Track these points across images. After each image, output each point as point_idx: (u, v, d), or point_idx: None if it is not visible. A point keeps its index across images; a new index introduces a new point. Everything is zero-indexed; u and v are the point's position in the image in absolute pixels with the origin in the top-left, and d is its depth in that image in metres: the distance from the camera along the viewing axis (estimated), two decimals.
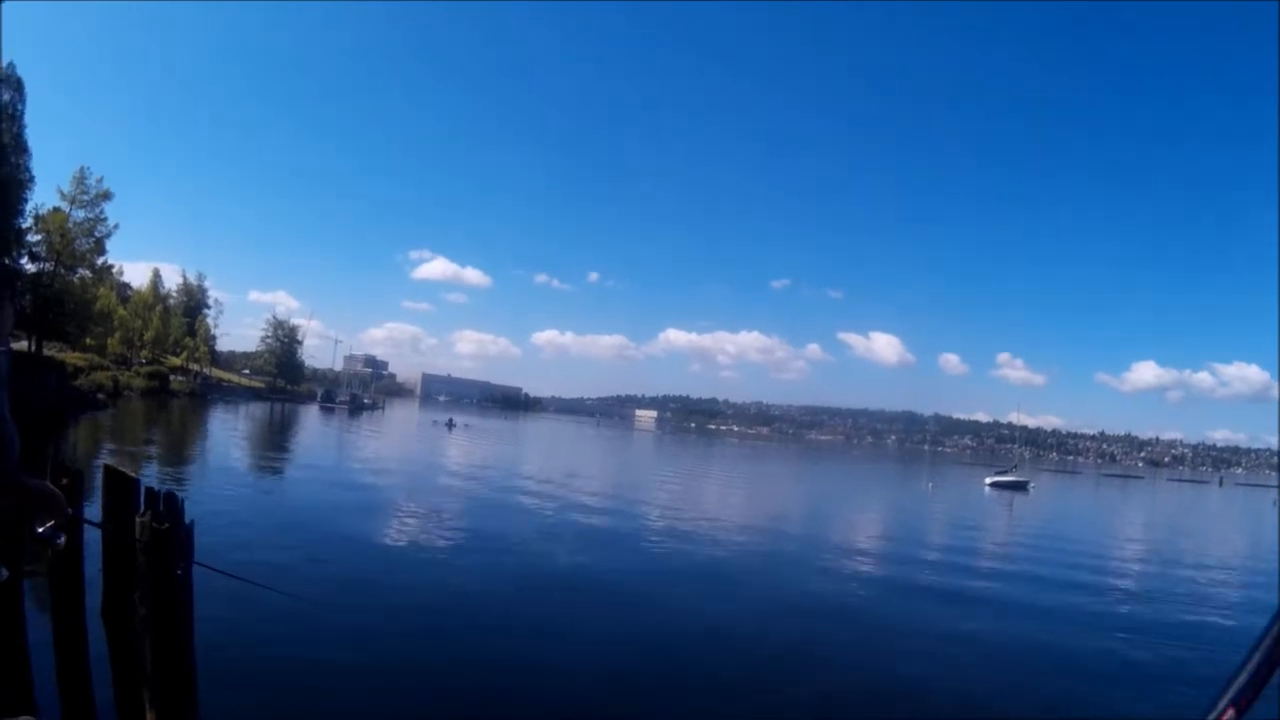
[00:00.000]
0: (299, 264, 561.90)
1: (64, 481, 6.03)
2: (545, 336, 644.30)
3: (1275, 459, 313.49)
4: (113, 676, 6.50)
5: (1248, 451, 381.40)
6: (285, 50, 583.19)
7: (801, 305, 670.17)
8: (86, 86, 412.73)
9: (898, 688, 12.30)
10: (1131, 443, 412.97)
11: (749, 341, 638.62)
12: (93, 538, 6.67)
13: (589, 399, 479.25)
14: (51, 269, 60.57)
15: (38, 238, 59.61)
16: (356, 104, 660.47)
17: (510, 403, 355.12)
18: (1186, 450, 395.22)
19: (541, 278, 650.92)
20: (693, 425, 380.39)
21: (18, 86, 53.62)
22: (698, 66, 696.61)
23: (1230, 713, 1.23)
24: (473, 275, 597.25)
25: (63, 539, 3.47)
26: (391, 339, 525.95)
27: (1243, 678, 1.20)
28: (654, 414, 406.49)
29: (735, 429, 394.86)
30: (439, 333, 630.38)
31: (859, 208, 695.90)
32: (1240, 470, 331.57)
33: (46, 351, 62.06)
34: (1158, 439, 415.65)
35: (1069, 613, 19.22)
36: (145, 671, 6.20)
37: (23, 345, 59.16)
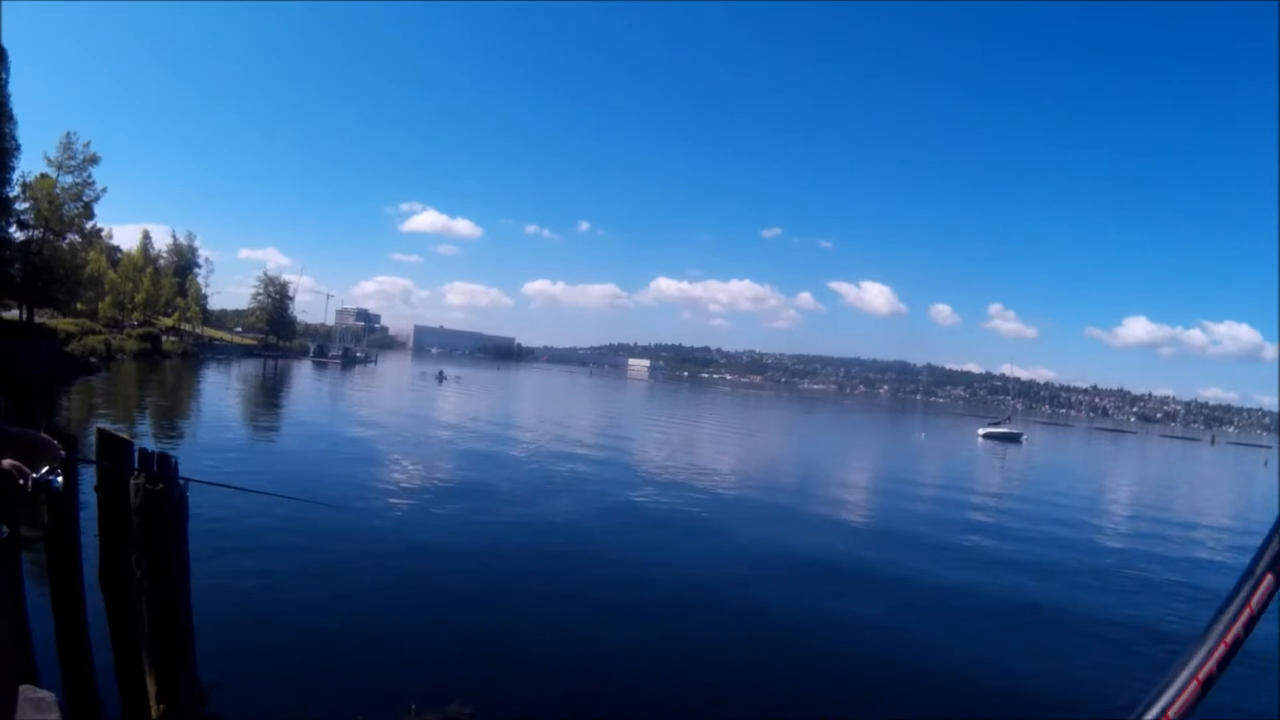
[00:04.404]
0: (289, 220, 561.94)
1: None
2: (536, 286, 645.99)
3: (1266, 419, 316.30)
4: (111, 641, 6.81)
5: (1239, 410, 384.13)
6: (269, 6, 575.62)
7: (793, 254, 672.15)
8: (68, 51, 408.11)
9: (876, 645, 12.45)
10: (1124, 398, 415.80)
11: (740, 290, 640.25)
12: (88, 501, 7.04)
13: (581, 348, 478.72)
14: (40, 235, 60.43)
15: (26, 205, 59.42)
16: (344, 57, 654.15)
17: (502, 353, 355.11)
18: (1179, 407, 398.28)
19: (532, 228, 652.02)
20: (685, 374, 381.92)
21: (1, 56, 53.42)
22: (690, 18, 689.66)
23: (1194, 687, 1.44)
24: (463, 226, 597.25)
25: (60, 480, 3.28)
26: (383, 292, 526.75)
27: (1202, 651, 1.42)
28: (647, 363, 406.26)
29: (728, 378, 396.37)
30: (430, 285, 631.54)
31: (850, 157, 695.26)
32: (1232, 429, 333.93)
33: (38, 319, 62.26)
34: (1150, 395, 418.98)
35: (1070, 574, 19.01)
36: (143, 635, 6.50)
37: (14, 314, 59.62)
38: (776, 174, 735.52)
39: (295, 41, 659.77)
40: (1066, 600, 16.34)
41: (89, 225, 69.41)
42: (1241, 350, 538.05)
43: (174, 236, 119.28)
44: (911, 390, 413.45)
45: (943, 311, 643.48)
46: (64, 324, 67.32)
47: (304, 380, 78.80)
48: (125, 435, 6.92)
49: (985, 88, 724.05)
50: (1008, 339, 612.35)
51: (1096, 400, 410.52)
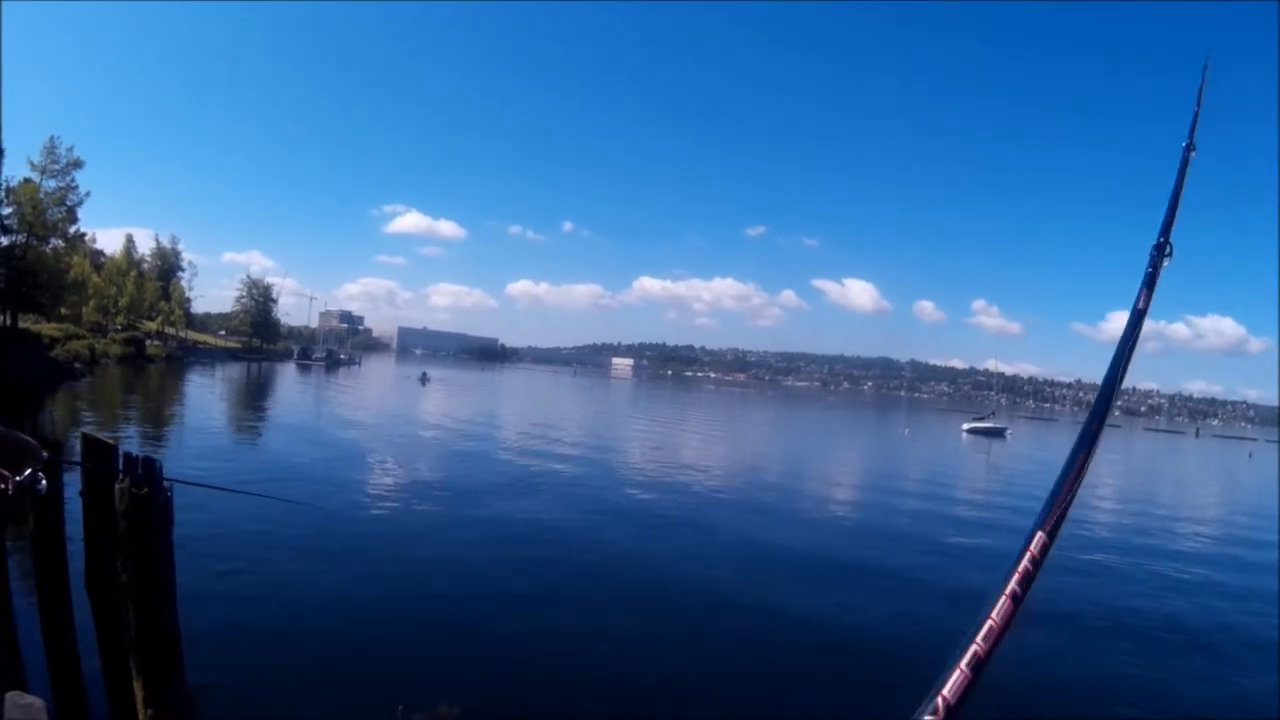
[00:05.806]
0: (272, 223, 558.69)
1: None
2: (520, 287, 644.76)
3: (1251, 411, 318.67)
4: (99, 645, 6.81)
5: (1224, 403, 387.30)
6: (251, 7, 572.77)
7: (776, 252, 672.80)
8: (51, 52, 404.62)
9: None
10: None
11: (724, 288, 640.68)
12: (73, 507, 7.01)
13: (565, 348, 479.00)
14: (24, 240, 60.05)
15: (9, 210, 58.84)
16: (327, 58, 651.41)
17: (487, 354, 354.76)
18: (1163, 400, 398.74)
19: (515, 228, 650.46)
20: (669, 372, 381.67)
21: None
22: (675, 17, 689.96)
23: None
24: (446, 227, 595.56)
25: (44, 484, 3.06)
26: (366, 294, 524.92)
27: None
28: (630, 362, 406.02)
29: (712, 375, 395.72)
30: (414, 286, 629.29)
31: (834, 155, 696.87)
32: (1216, 421, 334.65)
33: (21, 324, 61.86)
34: (1134, 389, 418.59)
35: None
36: (131, 638, 6.49)
37: None
38: (760, 172, 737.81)
39: (278, 43, 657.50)
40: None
41: (72, 230, 68.78)
42: (1226, 344, 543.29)
43: (157, 240, 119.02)
44: (896, 386, 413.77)
45: (926, 308, 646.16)
46: (48, 329, 66.90)
47: (288, 383, 78.80)
48: (110, 440, 6.95)
49: (968, 85, 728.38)
50: (992, 335, 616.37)
51: (1081, 395, 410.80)
